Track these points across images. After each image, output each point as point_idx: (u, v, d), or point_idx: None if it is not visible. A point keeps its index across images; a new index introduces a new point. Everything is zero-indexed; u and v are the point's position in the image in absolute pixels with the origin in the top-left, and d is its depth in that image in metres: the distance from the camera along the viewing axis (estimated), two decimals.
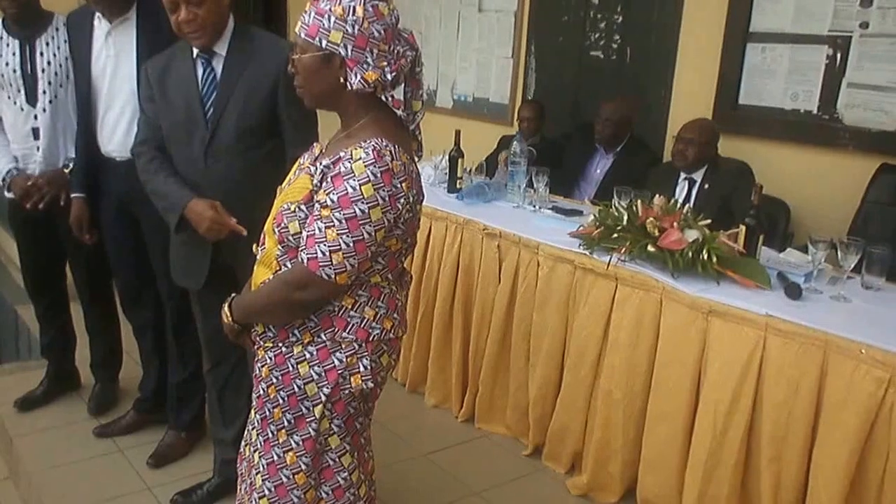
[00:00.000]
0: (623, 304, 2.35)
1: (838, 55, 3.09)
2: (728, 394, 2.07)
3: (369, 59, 1.41)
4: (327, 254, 1.38)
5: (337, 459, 1.57)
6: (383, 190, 1.38)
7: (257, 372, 1.59)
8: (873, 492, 1.86)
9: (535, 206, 3.06)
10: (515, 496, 2.50)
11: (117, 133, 2.42)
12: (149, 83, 2.11)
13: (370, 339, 1.49)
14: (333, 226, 1.37)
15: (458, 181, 3.26)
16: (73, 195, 2.54)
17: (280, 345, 1.51)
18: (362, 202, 1.36)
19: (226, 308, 1.58)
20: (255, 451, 1.61)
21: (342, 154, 1.40)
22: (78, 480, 2.45)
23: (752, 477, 2.10)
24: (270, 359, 1.53)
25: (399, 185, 1.40)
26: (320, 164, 1.43)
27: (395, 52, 1.44)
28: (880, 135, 3.00)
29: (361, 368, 1.49)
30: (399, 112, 1.50)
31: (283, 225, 1.45)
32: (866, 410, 1.84)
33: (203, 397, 2.60)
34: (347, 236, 1.37)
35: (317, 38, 1.41)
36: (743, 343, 2.06)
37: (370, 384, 1.51)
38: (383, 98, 1.47)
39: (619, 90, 3.89)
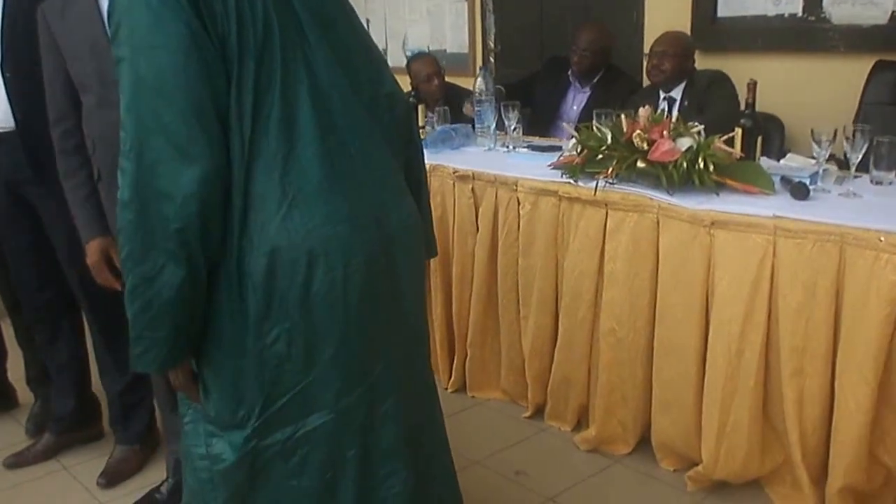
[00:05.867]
0: (616, 231, 2.35)
1: None
2: (740, 310, 2.08)
3: None
4: None
5: None
6: None
7: None
8: None
9: (508, 147, 3.05)
10: (519, 461, 2.49)
11: None
12: (48, 29, 2.01)
13: None
14: None
15: (419, 130, 3.22)
16: None
17: None
18: None
19: None
20: None
21: None
22: None
23: (774, 397, 2.11)
24: None
25: None
26: None
27: None
28: (872, 30, 3.04)
29: None
30: None
31: None
32: (890, 302, 1.85)
33: (152, 402, 2.51)
34: None
35: None
36: (751, 251, 2.07)
37: None
38: None
39: (587, 15, 3.90)
